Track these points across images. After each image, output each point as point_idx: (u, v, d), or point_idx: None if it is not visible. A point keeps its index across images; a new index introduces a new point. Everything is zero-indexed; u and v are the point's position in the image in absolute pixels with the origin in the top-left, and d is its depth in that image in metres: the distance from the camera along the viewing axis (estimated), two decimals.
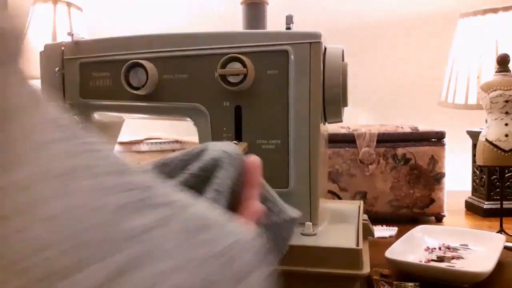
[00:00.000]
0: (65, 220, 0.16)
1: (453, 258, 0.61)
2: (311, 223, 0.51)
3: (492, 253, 0.60)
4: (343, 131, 0.90)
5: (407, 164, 0.87)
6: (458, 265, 0.58)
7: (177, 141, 1.05)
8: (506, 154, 0.72)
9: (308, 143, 0.53)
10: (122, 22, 1.46)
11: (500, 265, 0.59)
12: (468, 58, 1.01)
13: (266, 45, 0.53)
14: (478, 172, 0.98)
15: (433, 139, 0.88)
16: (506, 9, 0.96)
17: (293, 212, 0.39)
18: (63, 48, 0.61)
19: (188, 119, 0.58)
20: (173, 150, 1.05)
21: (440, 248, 0.65)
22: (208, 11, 1.42)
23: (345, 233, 0.52)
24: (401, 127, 0.91)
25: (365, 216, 0.62)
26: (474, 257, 0.62)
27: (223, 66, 0.51)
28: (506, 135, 0.72)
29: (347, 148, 0.88)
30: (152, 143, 1.03)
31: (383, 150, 0.88)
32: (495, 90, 0.74)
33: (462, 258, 0.61)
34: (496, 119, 0.74)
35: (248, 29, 0.60)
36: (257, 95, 0.53)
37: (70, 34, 0.61)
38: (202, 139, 0.56)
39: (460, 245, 0.66)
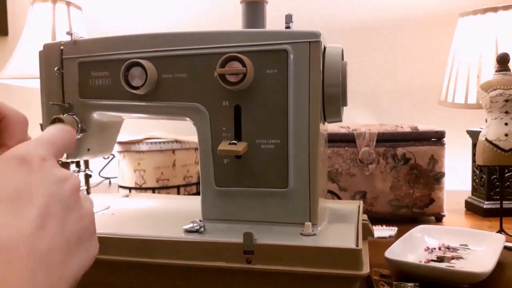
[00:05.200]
0: None
1: (452, 258, 0.61)
2: (310, 223, 0.51)
3: (492, 253, 0.60)
4: (343, 130, 0.90)
5: (407, 163, 0.87)
6: (458, 265, 0.58)
7: (176, 141, 1.05)
8: (506, 154, 0.72)
9: (307, 143, 0.52)
10: (121, 21, 1.46)
11: (500, 265, 0.59)
12: (468, 57, 1.00)
13: (265, 44, 0.53)
14: (478, 172, 0.98)
15: (433, 139, 0.88)
16: (506, 8, 0.96)
17: None
18: (62, 47, 0.61)
19: (188, 118, 0.58)
20: (173, 150, 1.05)
21: (439, 248, 0.65)
22: (207, 10, 1.41)
23: (344, 233, 0.52)
24: (401, 127, 0.91)
25: (365, 216, 0.61)
26: (474, 257, 0.62)
27: (223, 65, 0.51)
28: (506, 135, 0.72)
29: (346, 148, 0.88)
30: (151, 142, 1.03)
31: (383, 149, 0.87)
32: (495, 89, 0.74)
33: (462, 258, 0.61)
34: (496, 118, 0.74)
35: (248, 28, 0.60)
36: (256, 95, 0.53)
37: (69, 33, 0.60)
38: (201, 139, 0.56)
39: (460, 245, 0.66)
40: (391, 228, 0.81)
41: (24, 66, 1.11)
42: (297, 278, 0.46)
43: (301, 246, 0.46)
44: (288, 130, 0.53)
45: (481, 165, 0.76)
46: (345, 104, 0.56)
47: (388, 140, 0.88)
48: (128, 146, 1.04)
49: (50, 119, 0.59)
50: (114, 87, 0.58)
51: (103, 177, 1.34)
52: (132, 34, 0.58)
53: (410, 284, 0.53)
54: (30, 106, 1.53)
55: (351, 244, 0.47)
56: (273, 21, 0.65)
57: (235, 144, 0.53)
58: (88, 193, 0.69)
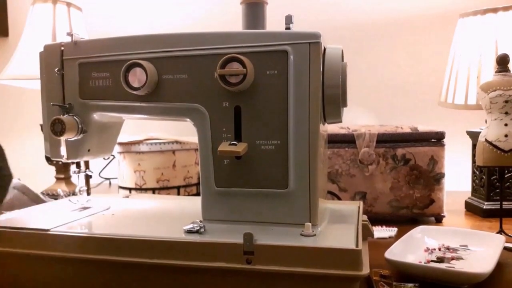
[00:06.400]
0: None
1: (452, 258, 0.61)
2: (310, 224, 0.51)
3: (491, 253, 0.60)
4: (343, 131, 0.90)
5: (406, 164, 0.87)
6: (458, 266, 0.58)
7: (176, 142, 1.05)
8: (506, 155, 0.72)
9: (307, 144, 0.53)
10: (122, 22, 1.46)
11: (499, 265, 0.59)
12: (467, 58, 1.01)
13: (265, 45, 0.53)
14: (477, 173, 0.98)
15: (432, 140, 0.88)
16: (506, 8, 0.96)
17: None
18: (62, 48, 0.61)
19: (188, 119, 0.58)
20: (173, 151, 1.05)
21: (439, 249, 0.65)
22: (207, 11, 1.42)
23: (344, 233, 0.52)
24: (401, 127, 0.91)
25: (365, 217, 0.62)
26: (474, 257, 0.62)
27: (223, 66, 0.51)
28: (506, 136, 0.72)
29: (346, 149, 0.88)
30: (151, 143, 1.03)
31: (383, 150, 0.88)
32: (495, 90, 0.74)
33: (462, 258, 0.61)
34: (495, 119, 0.74)
35: (248, 29, 0.60)
36: (256, 96, 0.53)
37: (70, 34, 0.61)
38: (201, 140, 0.56)
39: (460, 245, 0.66)
40: (391, 228, 0.81)
41: (24, 67, 1.11)
42: (297, 279, 0.46)
43: (301, 246, 0.46)
44: (288, 131, 0.53)
45: (481, 165, 0.77)
46: (345, 104, 0.56)
47: (388, 141, 0.88)
48: (128, 147, 1.04)
49: (50, 120, 0.59)
50: (114, 88, 0.58)
51: (103, 177, 1.34)
52: (133, 35, 0.58)
53: (410, 284, 0.53)
54: (30, 107, 1.54)
55: (351, 245, 0.47)
56: (273, 22, 0.65)
57: (235, 144, 0.53)
58: (88, 194, 0.69)
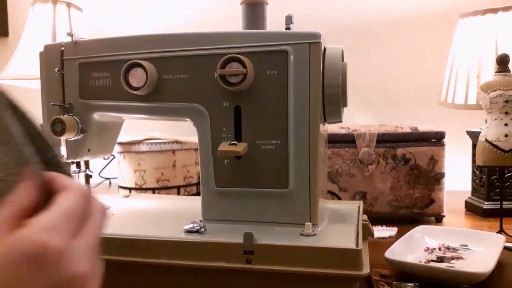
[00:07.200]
0: None
1: (452, 258, 0.61)
2: (310, 224, 0.51)
3: (492, 253, 0.60)
4: (343, 131, 0.90)
5: (406, 164, 0.87)
6: (458, 266, 0.58)
7: (176, 142, 1.05)
8: (506, 154, 0.72)
9: (307, 144, 0.53)
10: (122, 22, 1.46)
11: (500, 265, 0.59)
12: (467, 58, 1.01)
13: (265, 45, 0.53)
14: (478, 172, 0.98)
15: (432, 139, 0.88)
16: (505, 9, 0.96)
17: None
18: (62, 48, 0.61)
19: (188, 119, 0.58)
20: (173, 151, 1.05)
21: (439, 249, 0.65)
22: (207, 11, 1.42)
23: (344, 233, 0.52)
24: (401, 127, 0.91)
25: (365, 217, 0.62)
26: (474, 257, 0.62)
27: (223, 66, 0.51)
28: (506, 135, 0.72)
29: (346, 148, 0.88)
30: (151, 143, 1.03)
31: (383, 150, 0.88)
32: (495, 90, 0.74)
33: (462, 258, 0.61)
34: (495, 119, 0.74)
35: (248, 29, 0.60)
36: (256, 96, 0.53)
37: (70, 34, 0.61)
38: (201, 140, 0.56)
39: (460, 245, 0.66)
40: (391, 228, 0.81)
41: (24, 67, 1.11)
42: (297, 278, 0.46)
43: (301, 246, 0.47)
44: (288, 130, 0.53)
45: (481, 165, 0.77)
46: (345, 104, 0.56)
47: (388, 140, 0.88)
48: (128, 147, 1.04)
49: (50, 120, 0.59)
50: (114, 88, 0.58)
51: (103, 177, 1.34)
52: (133, 35, 0.58)
53: (410, 284, 0.53)
54: (30, 106, 1.53)
55: (351, 244, 0.47)
56: (273, 22, 0.65)
57: (235, 144, 0.53)
58: None
